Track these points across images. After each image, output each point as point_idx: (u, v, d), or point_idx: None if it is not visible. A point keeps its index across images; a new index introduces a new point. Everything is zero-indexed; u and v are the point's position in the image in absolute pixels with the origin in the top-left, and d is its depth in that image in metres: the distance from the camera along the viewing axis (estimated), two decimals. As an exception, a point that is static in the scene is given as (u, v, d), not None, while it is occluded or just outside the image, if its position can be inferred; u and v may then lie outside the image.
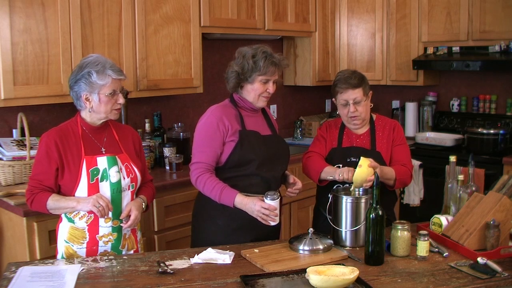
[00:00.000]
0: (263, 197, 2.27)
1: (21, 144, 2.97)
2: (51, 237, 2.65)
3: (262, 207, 2.22)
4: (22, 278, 1.92)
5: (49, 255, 2.61)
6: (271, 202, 2.16)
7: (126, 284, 1.90)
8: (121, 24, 3.17)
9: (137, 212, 2.30)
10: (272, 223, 2.19)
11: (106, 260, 2.12)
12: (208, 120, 2.43)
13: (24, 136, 2.93)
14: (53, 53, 2.88)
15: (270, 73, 2.42)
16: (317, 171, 2.55)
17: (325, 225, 2.43)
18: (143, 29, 3.27)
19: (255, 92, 2.44)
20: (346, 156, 2.57)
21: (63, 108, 3.27)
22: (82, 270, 2.01)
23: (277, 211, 2.18)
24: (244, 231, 2.41)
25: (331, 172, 2.49)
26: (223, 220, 2.41)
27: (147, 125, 3.59)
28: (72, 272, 1.98)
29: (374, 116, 2.69)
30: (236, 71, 2.43)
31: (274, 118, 4.22)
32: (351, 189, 2.37)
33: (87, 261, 2.11)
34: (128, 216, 2.28)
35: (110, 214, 2.23)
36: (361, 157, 2.34)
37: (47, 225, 2.64)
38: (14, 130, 3.11)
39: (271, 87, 2.45)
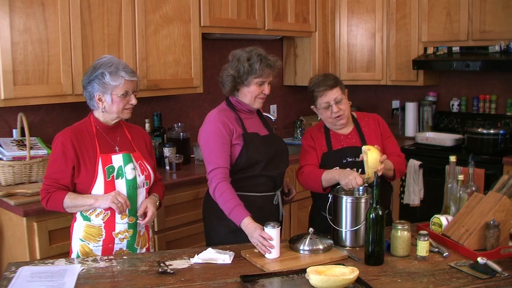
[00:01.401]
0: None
1: (21, 144, 2.97)
2: (51, 237, 2.66)
3: (260, 235, 2.16)
4: (22, 278, 1.93)
5: (49, 255, 2.62)
6: (269, 231, 2.13)
7: (126, 284, 1.90)
8: (121, 24, 3.17)
9: (154, 208, 2.35)
10: (268, 255, 2.12)
11: (106, 260, 2.12)
12: (214, 126, 2.43)
13: (24, 136, 2.93)
14: (53, 53, 2.88)
15: (266, 75, 2.44)
16: (317, 181, 2.49)
17: (322, 227, 2.41)
18: (143, 29, 3.27)
19: (252, 94, 2.46)
20: (341, 157, 2.55)
21: (63, 108, 3.27)
22: (82, 270, 2.01)
23: (275, 242, 2.12)
24: None
25: (332, 178, 2.44)
26: (232, 221, 2.40)
27: (147, 125, 3.59)
28: (72, 272, 1.98)
29: (355, 114, 2.69)
30: (232, 75, 2.44)
31: (274, 118, 4.25)
32: (366, 177, 2.33)
33: (87, 261, 2.11)
34: (145, 213, 2.32)
35: (127, 210, 2.26)
36: (363, 146, 2.36)
37: (47, 225, 2.64)
38: (14, 130, 3.11)
39: (266, 89, 2.48)
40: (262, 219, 2.32)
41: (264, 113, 4.26)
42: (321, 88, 2.54)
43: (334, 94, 2.54)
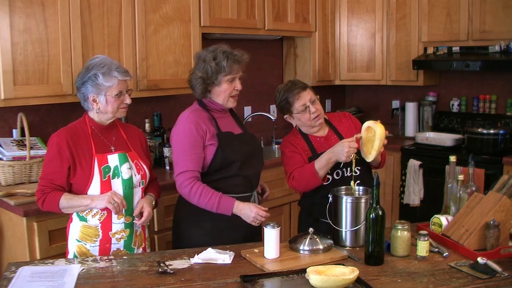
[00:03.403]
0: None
1: (21, 144, 2.97)
2: (51, 237, 2.66)
3: (258, 214, 2.32)
4: (22, 278, 1.92)
5: (49, 255, 2.62)
6: (268, 231, 2.10)
7: (126, 284, 1.90)
8: (121, 24, 3.17)
9: (150, 208, 2.35)
10: (268, 255, 2.12)
11: (106, 260, 2.12)
12: (186, 127, 2.41)
13: (24, 136, 2.93)
14: (53, 53, 2.88)
15: (235, 71, 2.43)
16: (312, 173, 2.46)
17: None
18: (143, 29, 3.27)
19: (225, 93, 2.44)
20: None
21: (63, 108, 3.27)
22: (82, 270, 2.01)
23: (274, 242, 2.11)
24: (232, 231, 2.43)
25: (327, 161, 2.43)
26: (210, 222, 2.42)
27: (147, 125, 3.59)
28: (72, 272, 1.98)
29: (326, 116, 2.69)
30: (200, 77, 2.42)
31: (274, 118, 4.26)
32: (372, 153, 2.38)
33: (87, 261, 2.11)
34: (141, 213, 2.32)
35: (123, 210, 2.26)
36: (364, 126, 2.39)
37: (47, 225, 2.64)
38: (14, 130, 3.11)
39: (238, 84, 2.46)
40: (240, 221, 2.37)
41: (264, 113, 4.33)
42: (295, 91, 2.54)
43: (308, 94, 2.55)
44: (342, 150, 2.36)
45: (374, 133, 2.35)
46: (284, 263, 2.07)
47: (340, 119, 2.71)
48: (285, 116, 2.64)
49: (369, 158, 2.41)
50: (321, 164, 2.45)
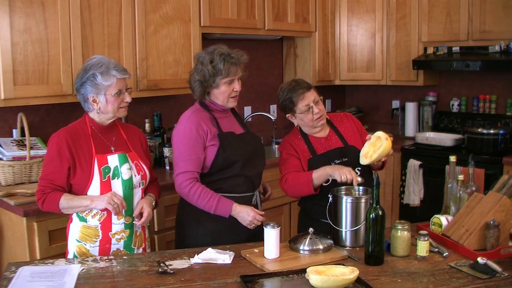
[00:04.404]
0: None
1: (21, 144, 2.97)
2: (51, 237, 2.66)
3: (255, 218, 2.36)
4: (22, 278, 1.93)
5: (49, 255, 2.62)
6: (268, 231, 2.10)
7: (126, 284, 1.90)
8: (121, 24, 3.17)
9: (149, 209, 2.35)
10: (268, 255, 2.11)
11: (106, 260, 2.12)
12: (187, 128, 2.41)
13: (24, 136, 2.93)
14: (53, 53, 2.88)
15: (232, 73, 2.41)
16: (307, 181, 2.45)
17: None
18: (143, 29, 3.27)
19: (223, 95, 2.43)
20: (328, 160, 2.53)
21: (63, 108, 3.27)
22: (82, 270, 2.01)
23: (274, 242, 2.11)
24: (233, 232, 2.43)
25: (324, 174, 2.42)
26: (211, 223, 2.42)
27: (147, 125, 3.59)
28: (72, 272, 1.98)
29: (328, 116, 2.69)
30: (198, 80, 2.41)
31: (274, 118, 4.26)
32: (369, 162, 2.39)
33: (87, 261, 2.11)
34: (141, 213, 2.32)
35: (123, 211, 2.26)
36: (380, 131, 2.40)
37: (47, 225, 2.64)
38: (14, 130, 3.11)
39: (237, 86, 2.45)
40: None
41: (264, 113, 4.33)
42: (299, 91, 2.53)
43: (312, 95, 2.56)
44: (340, 170, 2.36)
45: (380, 146, 2.36)
46: (284, 263, 2.07)
47: (342, 119, 2.71)
48: (287, 115, 2.63)
49: (363, 161, 2.42)
50: (318, 175, 2.44)
